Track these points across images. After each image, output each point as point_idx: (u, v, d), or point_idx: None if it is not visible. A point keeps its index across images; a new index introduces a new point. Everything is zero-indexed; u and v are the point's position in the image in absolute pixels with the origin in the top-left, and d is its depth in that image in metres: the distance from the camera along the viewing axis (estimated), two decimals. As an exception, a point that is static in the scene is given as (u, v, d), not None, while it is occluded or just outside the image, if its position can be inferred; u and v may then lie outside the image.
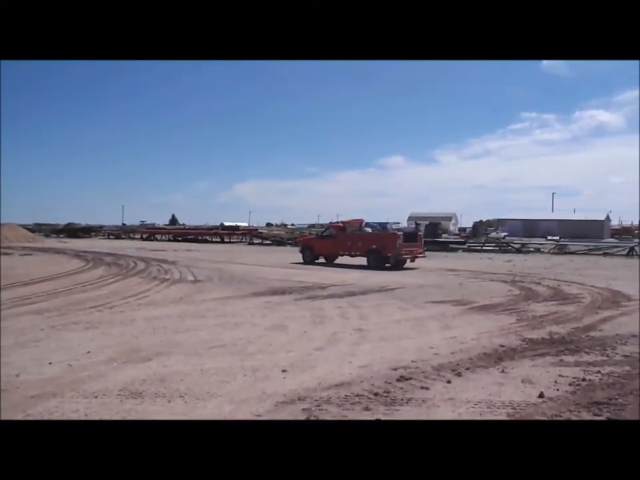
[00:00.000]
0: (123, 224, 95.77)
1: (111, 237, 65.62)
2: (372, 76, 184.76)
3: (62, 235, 67.15)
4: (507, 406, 5.29)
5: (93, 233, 69.49)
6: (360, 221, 25.78)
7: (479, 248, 40.07)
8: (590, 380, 6.19)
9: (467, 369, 6.65)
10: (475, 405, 5.33)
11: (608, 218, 76.82)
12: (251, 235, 54.90)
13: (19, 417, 4.84)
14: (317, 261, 24.73)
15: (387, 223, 28.17)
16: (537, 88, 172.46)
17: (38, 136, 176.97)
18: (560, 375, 6.37)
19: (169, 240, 57.05)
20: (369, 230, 24.87)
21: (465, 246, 41.38)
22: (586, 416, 5.04)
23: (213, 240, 55.49)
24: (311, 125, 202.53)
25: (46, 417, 4.88)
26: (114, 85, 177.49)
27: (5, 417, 4.75)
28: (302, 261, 24.96)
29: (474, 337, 8.56)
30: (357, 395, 5.55)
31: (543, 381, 6.14)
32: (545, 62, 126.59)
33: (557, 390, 5.84)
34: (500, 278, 18.43)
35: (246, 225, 75.36)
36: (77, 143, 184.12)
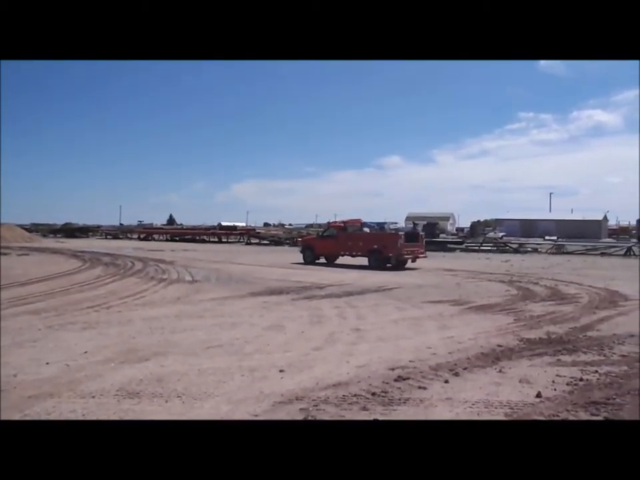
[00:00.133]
0: (121, 224, 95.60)
1: (108, 237, 65.50)
2: (370, 76, 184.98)
3: (59, 235, 67.02)
4: (505, 406, 5.29)
5: (90, 233, 69.36)
6: (358, 221, 25.80)
7: (477, 248, 40.14)
8: (587, 380, 6.20)
9: (465, 368, 6.66)
10: (473, 404, 5.33)
11: (605, 218, 76.95)
12: (248, 235, 54.84)
13: (17, 417, 4.83)
14: (317, 261, 24.65)
15: (385, 222, 28.27)
16: (534, 88, 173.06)
17: (36, 136, 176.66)
18: (557, 375, 6.38)
19: (167, 240, 56.98)
20: (366, 230, 24.88)
21: (463, 246, 41.46)
22: (583, 416, 5.05)
23: (211, 240, 55.46)
24: (309, 124, 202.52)
25: (43, 417, 4.86)
26: (112, 85, 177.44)
27: (2, 418, 4.73)
28: (301, 261, 24.90)
29: (471, 336, 8.57)
30: (355, 395, 5.55)
31: (541, 381, 6.15)
32: (543, 62, 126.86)
33: (555, 390, 5.84)
34: (497, 278, 18.46)
35: (243, 224, 75.15)
36: (75, 143, 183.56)
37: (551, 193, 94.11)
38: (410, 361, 6.96)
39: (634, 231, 69.10)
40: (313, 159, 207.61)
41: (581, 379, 6.21)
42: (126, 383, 5.94)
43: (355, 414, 5.03)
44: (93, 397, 5.46)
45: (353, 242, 23.42)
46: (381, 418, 4.91)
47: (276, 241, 50.36)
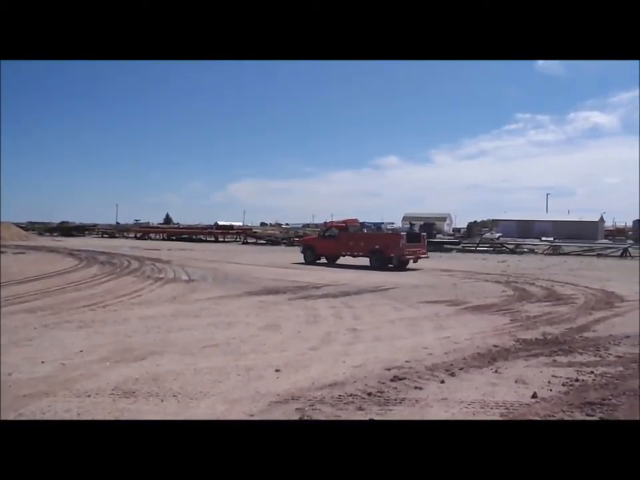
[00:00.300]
0: (117, 223, 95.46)
1: (104, 235, 65.39)
2: (368, 76, 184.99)
3: (55, 234, 66.85)
4: (500, 406, 5.30)
5: (86, 232, 69.21)
6: (354, 221, 25.76)
7: (473, 248, 40.21)
8: (583, 380, 6.21)
9: (461, 369, 6.66)
10: (469, 405, 5.33)
11: (602, 219, 77.09)
12: (245, 235, 54.84)
13: (11, 416, 4.81)
14: (317, 262, 24.57)
15: (382, 223, 28.26)
16: (531, 89, 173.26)
17: (34, 135, 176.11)
18: (553, 376, 6.39)
19: (163, 239, 56.94)
20: (364, 230, 24.86)
21: (459, 246, 41.51)
22: (579, 416, 5.06)
23: (207, 239, 55.39)
24: (307, 124, 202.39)
25: (38, 416, 4.85)
26: (110, 85, 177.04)
27: (-4, 416, 4.72)
28: (300, 260, 24.87)
29: (468, 337, 8.58)
30: (351, 395, 5.55)
31: (537, 382, 6.16)
32: (540, 63, 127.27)
33: (550, 390, 5.85)
34: (494, 278, 18.49)
35: (240, 224, 75.13)
36: (72, 142, 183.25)
37: (547, 194, 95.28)
38: (406, 361, 6.97)
39: (630, 232, 69.41)
40: (311, 159, 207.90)
41: (577, 380, 6.22)
42: (122, 382, 5.92)
43: (350, 414, 5.03)
44: (89, 396, 5.45)
45: (354, 242, 23.36)
46: (376, 418, 4.91)
47: (272, 241, 50.32)
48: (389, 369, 6.58)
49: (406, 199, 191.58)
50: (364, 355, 7.32)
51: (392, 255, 21.78)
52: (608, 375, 6.42)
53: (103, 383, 5.85)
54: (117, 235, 65.17)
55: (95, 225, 76.00)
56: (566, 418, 5.02)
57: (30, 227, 72.60)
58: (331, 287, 15.42)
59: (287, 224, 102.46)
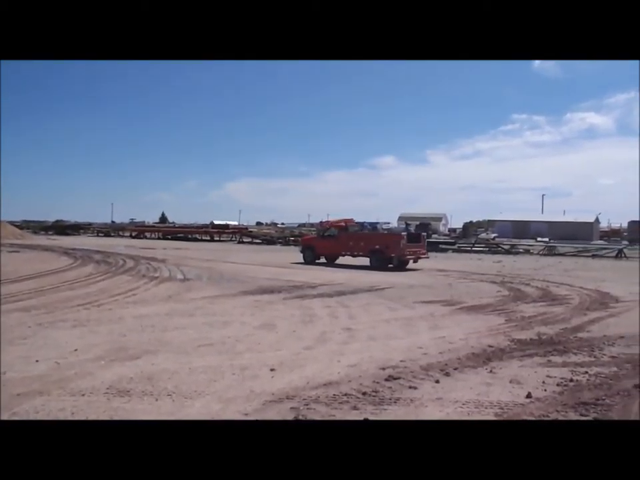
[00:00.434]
0: (113, 221, 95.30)
1: (100, 234, 65.26)
2: (365, 76, 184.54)
3: (50, 232, 66.64)
4: (495, 406, 5.31)
5: (81, 231, 69.11)
6: (350, 221, 25.74)
7: (469, 249, 40.28)
8: (577, 380, 6.23)
9: (456, 369, 6.67)
10: (463, 404, 5.34)
11: (597, 220, 77.38)
12: (240, 234, 54.80)
13: (5, 416, 4.79)
14: (316, 261, 24.50)
15: (377, 222, 28.08)
16: (528, 90, 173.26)
17: (31, 135, 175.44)
18: (548, 376, 6.41)
19: (159, 238, 56.83)
20: (363, 229, 24.84)
21: (455, 247, 41.60)
22: (573, 416, 5.07)
23: (203, 238, 55.32)
24: (303, 124, 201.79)
25: (32, 416, 4.83)
26: (108, 85, 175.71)
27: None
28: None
29: (462, 337, 8.59)
30: (346, 395, 5.55)
31: (531, 382, 6.17)
32: (536, 64, 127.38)
33: (545, 390, 5.87)
34: (489, 279, 18.53)
35: (236, 223, 75.03)
36: (68, 142, 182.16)
37: (543, 195, 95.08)
38: (401, 361, 6.97)
39: (625, 233, 69.70)
40: (307, 159, 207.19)
41: (571, 380, 6.24)
42: (116, 381, 5.91)
43: (345, 413, 5.03)
44: (83, 395, 5.43)
45: (354, 242, 23.32)
46: (371, 417, 4.91)
47: (268, 240, 50.30)
48: (383, 369, 6.58)
49: (402, 199, 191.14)
50: (359, 354, 7.33)
51: (392, 255, 21.77)
52: (602, 375, 6.44)
53: (97, 382, 5.83)
54: (113, 234, 65.00)
55: (90, 224, 75.81)
56: (560, 418, 5.03)
57: (25, 226, 72.42)
58: (326, 286, 15.43)
59: (282, 223, 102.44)
